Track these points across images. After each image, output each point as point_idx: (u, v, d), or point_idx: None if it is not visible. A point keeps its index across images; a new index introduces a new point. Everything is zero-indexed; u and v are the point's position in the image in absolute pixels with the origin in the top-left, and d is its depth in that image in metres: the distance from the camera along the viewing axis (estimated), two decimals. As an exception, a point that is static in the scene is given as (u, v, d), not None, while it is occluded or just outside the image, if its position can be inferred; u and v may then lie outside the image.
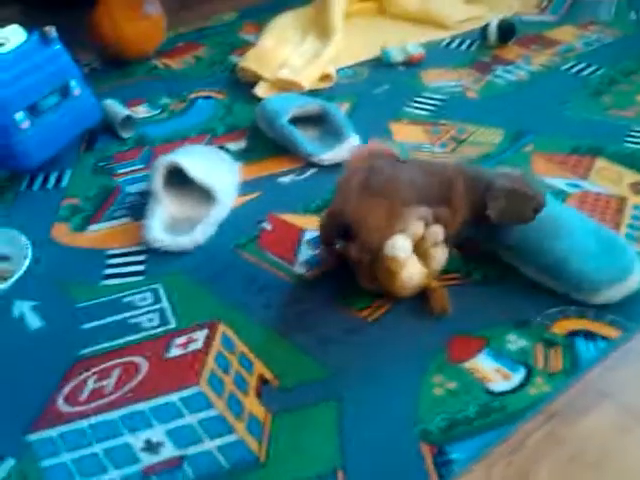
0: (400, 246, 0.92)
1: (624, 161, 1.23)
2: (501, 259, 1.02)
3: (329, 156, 1.27)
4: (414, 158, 1.11)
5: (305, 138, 1.31)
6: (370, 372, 0.87)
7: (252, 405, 0.84)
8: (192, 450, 0.80)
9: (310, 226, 1.12)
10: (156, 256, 1.08)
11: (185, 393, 0.85)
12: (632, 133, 1.31)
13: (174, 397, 0.85)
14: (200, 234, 1.08)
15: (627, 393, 0.84)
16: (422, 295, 0.96)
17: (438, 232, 0.95)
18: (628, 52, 1.63)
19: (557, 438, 0.79)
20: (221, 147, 1.33)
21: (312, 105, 1.37)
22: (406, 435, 0.79)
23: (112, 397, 0.86)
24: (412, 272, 0.94)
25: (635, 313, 0.93)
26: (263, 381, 0.87)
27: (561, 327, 0.92)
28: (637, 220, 1.09)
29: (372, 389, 0.85)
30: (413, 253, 0.94)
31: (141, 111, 1.48)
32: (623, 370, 0.87)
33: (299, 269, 1.04)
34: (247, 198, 1.20)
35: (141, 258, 1.08)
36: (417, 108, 1.45)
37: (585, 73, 1.55)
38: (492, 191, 0.96)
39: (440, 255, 0.96)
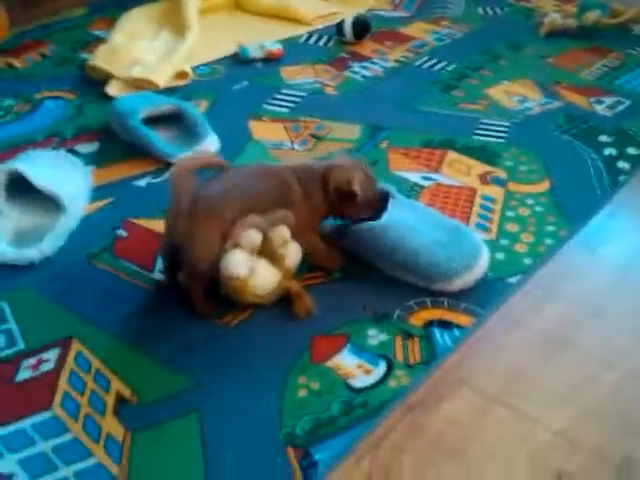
0: (235, 262, 0.90)
1: (473, 153, 1.29)
2: (361, 257, 1.03)
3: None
4: (247, 165, 1.08)
5: (160, 139, 1.26)
6: (233, 379, 0.85)
7: (110, 425, 0.80)
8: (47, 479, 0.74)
9: (169, 231, 1.08)
10: (0, 271, 1.00)
11: (37, 419, 0.80)
12: (480, 126, 1.38)
13: (25, 424, 0.79)
14: (47, 245, 1.01)
15: (482, 377, 0.87)
16: (284, 298, 0.95)
17: (283, 232, 0.93)
18: (477, 47, 1.71)
19: (418, 428, 0.81)
20: (70, 150, 1.26)
21: (167, 104, 1.32)
22: (271, 441, 0.78)
23: (-47, 429, 0.79)
24: (263, 278, 0.92)
25: (485, 300, 0.97)
26: (121, 398, 0.83)
27: (418, 318, 0.94)
28: (486, 210, 1.14)
29: (235, 397, 0.83)
30: (261, 258, 0.93)
31: (-19, 114, 1.38)
32: (477, 356, 0.90)
33: (157, 276, 1.00)
34: (100, 204, 1.15)
35: (-18, 275, 1.00)
36: (276, 105, 1.44)
37: (437, 68, 1.61)
38: (340, 169, 0.98)
39: (292, 253, 0.95)
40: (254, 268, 0.91)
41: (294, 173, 0.98)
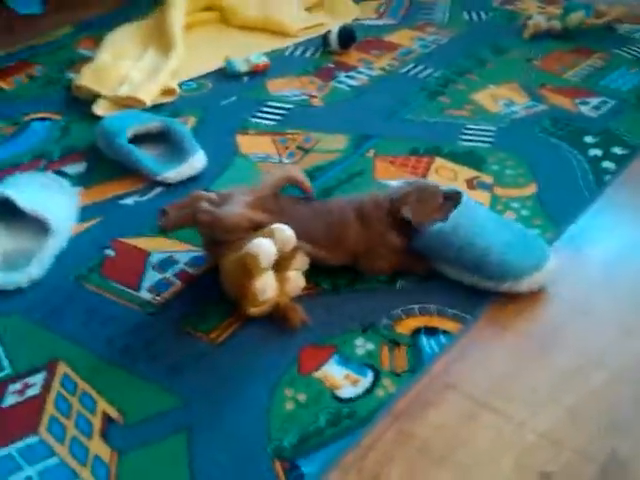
0: (265, 247, 0.90)
1: (459, 159, 1.29)
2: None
3: (174, 174, 1.24)
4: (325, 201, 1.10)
5: (148, 157, 1.27)
6: (221, 396, 0.86)
7: (97, 447, 0.80)
8: (34, 504, 0.75)
9: (157, 248, 1.09)
10: (-13, 296, 1.01)
11: (23, 444, 0.80)
12: (466, 131, 1.38)
13: (11, 449, 0.80)
14: (35, 268, 1.02)
15: (470, 382, 0.88)
16: (270, 314, 0.95)
17: (306, 260, 0.96)
18: (462, 52, 1.71)
19: (406, 436, 0.81)
20: (58, 172, 1.27)
21: (153, 122, 1.33)
22: (259, 456, 0.78)
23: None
24: (267, 285, 0.93)
25: (472, 306, 0.97)
26: (108, 419, 0.83)
27: (405, 326, 0.94)
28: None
29: (223, 414, 0.84)
30: (273, 270, 0.93)
31: (-32, 138, 1.39)
32: (464, 361, 0.91)
33: (145, 295, 1.01)
34: (88, 224, 1.15)
35: (-31, 300, 1.01)
36: (263, 118, 1.45)
37: (423, 75, 1.61)
38: (398, 199, 1.00)
39: (298, 281, 0.96)
40: (268, 269, 0.91)
41: (355, 210, 1.02)
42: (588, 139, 1.33)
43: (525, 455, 0.78)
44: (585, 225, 1.12)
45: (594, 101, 1.47)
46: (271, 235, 0.92)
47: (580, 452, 0.78)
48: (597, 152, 1.29)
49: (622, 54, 1.67)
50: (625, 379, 0.87)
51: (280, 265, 0.94)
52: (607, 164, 1.26)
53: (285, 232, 0.92)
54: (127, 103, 1.46)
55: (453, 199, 1.02)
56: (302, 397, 0.85)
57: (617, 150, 1.30)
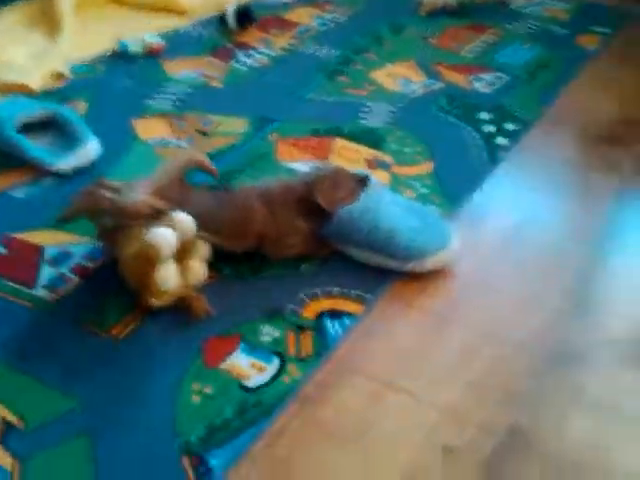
0: (165, 237, 0.87)
1: (360, 138, 1.30)
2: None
3: (66, 164, 1.19)
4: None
5: (37, 146, 1.21)
6: (123, 394, 0.84)
7: (-5, 455, 0.76)
8: None
9: (51, 242, 1.04)
10: None
11: None
12: (365, 110, 1.39)
13: None
14: None
15: (373, 364, 0.89)
16: (174, 306, 0.94)
17: (208, 249, 0.93)
18: (360, 30, 1.72)
19: (313, 422, 0.82)
20: (-61, 165, 1.19)
21: (41, 110, 1.26)
22: (166, 452, 0.77)
23: None
24: (168, 274, 0.91)
25: (376, 286, 0.99)
26: (6, 425, 0.80)
27: (310, 310, 0.95)
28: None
29: (127, 413, 0.82)
30: (174, 260, 0.91)
31: None
32: (369, 343, 0.92)
33: (41, 293, 0.97)
34: (-25, 221, 1.09)
35: None
36: (160, 101, 1.41)
37: (322, 54, 1.61)
38: (312, 184, 1.00)
39: (200, 272, 0.94)
40: (169, 259, 0.89)
41: (260, 197, 1.00)
42: (482, 115, 1.38)
43: (430, 433, 0.80)
44: (480, 202, 1.16)
45: (488, 77, 1.51)
46: (171, 224, 0.90)
47: (482, 426, 0.81)
48: (491, 128, 1.33)
49: (514, 29, 1.73)
50: (523, 352, 0.91)
51: (181, 255, 0.92)
52: (500, 140, 1.30)
53: (185, 221, 0.90)
54: (14, 89, 1.38)
55: (362, 182, 1.03)
56: (208, 390, 0.84)
57: (510, 126, 1.34)
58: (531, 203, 1.17)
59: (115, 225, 0.96)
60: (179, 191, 1.00)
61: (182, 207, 0.94)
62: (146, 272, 0.89)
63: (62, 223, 1.03)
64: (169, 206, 0.94)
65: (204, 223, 0.94)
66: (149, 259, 0.88)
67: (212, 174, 1.07)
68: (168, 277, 0.90)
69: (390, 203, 1.03)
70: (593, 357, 0.90)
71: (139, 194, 0.95)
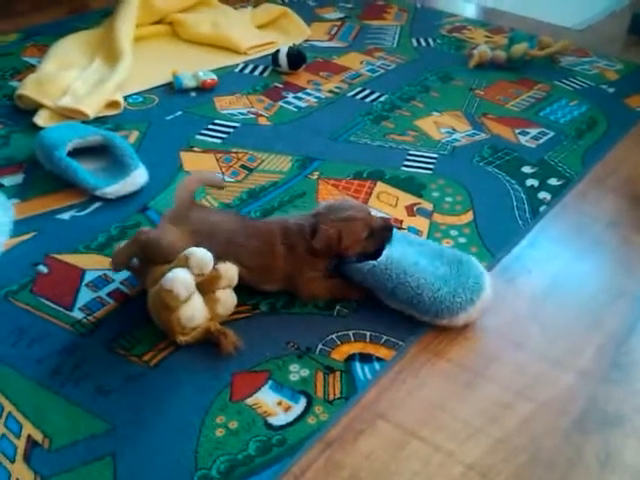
0: (179, 279, 0.88)
1: (400, 185, 1.31)
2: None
3: (114, 189, 1.22)
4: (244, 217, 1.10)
5: (87, 171, 1.25)
6: (150, 421, 0.84)
7: (20, 472, 0.77)
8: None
9: (92, 266, 1.07)
10: None
11: (-59, 467, 0.77)
12: (409, 157, 1.40)
13: None
14: (-38, 284, 0.99)
15: (400, 411, 0.88)
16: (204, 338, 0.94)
17: (234, 275, 0.94)
18: (408, 78, 1.74)
19: (335, 464, 0.81)
20: (-5, 183, 1.24)
21: (94, 135, 1.31)
22: (186, 483, 0.77)
23: None
24: (194, 311, 0.91)
25: (405, 332, 0.98)
26: (33, 443, 0.81)
27: (340, 352, 0.95)
28: (411, 242, 1.16)
29: (151, 439, 0.82)
30: (198, 293, 0.92)
31: None
32: (396, 389, 0.91)
33: (78, 315, 0.99)
34: (21, 239, 1.12)
35: None
36: (209, 136, 1.44)
37: (369, 99, 1.63)
38: (313, 225, 1.00)
39: (228, 301, 0.95)
40: (191, 296, 0.90)
41: (281, 234, 1.01)
42: (526, 169, 1.37)
43: (451, 486, 0.79)
44: (519, 255, 1.15)
45: (533, 132, 1.51)
46: (185, 262, 0.90)
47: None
48: (534, 182, 1.33)
49: (563, 86, 1.73)
50: (551, 410, 0.89)
51: (207, 286, 0.93)
52: (543, 194, 1.30)
53: (198, 255, 0.90)
54: (70, 115, 1.43)
55: (383, 234, 1.02)
56: (233, 424, 0.84)
57: (553, 181, 1.34)
58: (569, 261, 1.16)
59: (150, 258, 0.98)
60: (197, 213, 1.02)
61: (212, 236, 0.97)
62: (167, 316, 0.91)
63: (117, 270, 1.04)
64: (193, 242, 0.95)
65: (228, 249, 0.97)
66: (166, 304, 0.90)
67: (219, 186, 1.15)
68: (192, 314, 0.92)
69: (417, 254, 1.02)
70: (629, 421, 0.88)
71: (168, 232, 0.98)
